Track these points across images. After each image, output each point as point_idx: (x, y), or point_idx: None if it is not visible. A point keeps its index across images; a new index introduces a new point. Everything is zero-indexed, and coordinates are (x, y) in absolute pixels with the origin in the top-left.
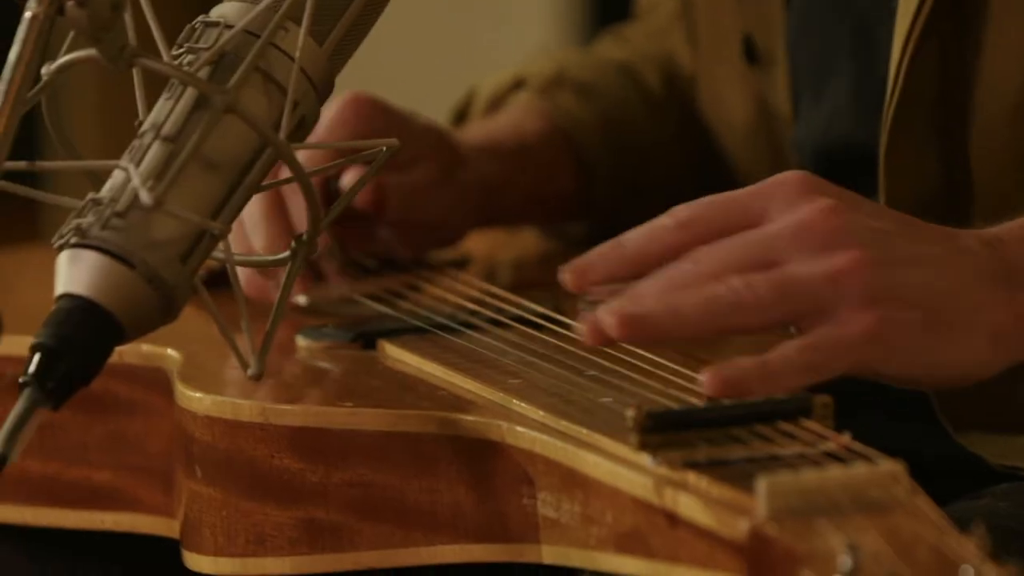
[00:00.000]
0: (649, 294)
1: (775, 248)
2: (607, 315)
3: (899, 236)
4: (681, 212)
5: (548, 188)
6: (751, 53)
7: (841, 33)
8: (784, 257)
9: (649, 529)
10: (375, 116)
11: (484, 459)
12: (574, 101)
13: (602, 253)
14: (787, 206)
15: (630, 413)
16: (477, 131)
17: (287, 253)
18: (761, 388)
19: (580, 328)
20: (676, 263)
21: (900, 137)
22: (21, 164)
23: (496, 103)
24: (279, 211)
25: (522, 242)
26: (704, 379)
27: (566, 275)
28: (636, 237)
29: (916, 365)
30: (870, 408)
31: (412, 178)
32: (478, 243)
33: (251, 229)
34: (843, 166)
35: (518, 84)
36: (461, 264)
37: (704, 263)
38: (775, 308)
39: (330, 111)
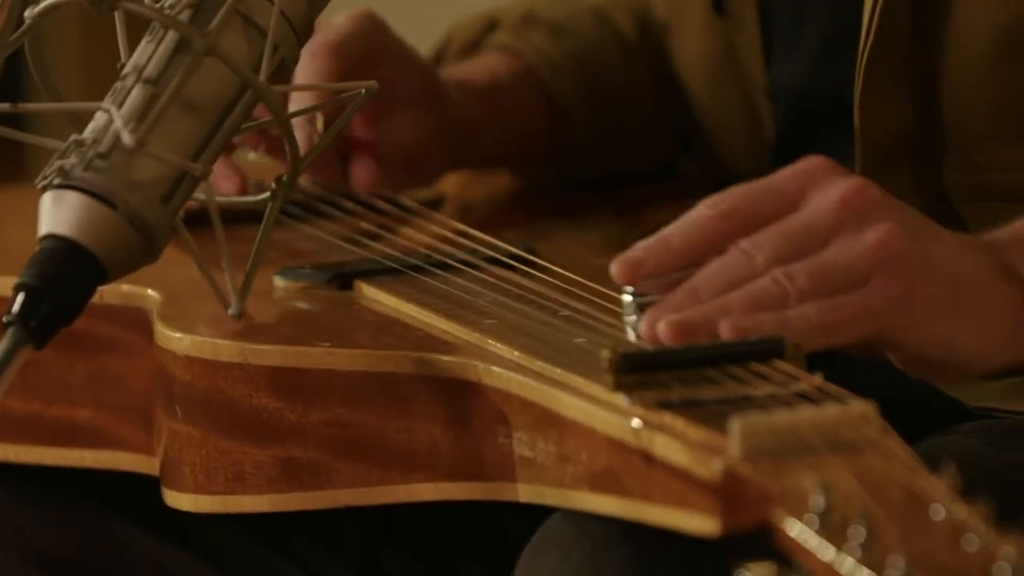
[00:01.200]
0: (702, 292)
1: (815, 230)
2: (661, 323)
3: (921, 218)
4: (722, 203)
5: (521, 128)
6: (718, 4)
7: None
8: (825, 237)
9: (623, 468)
10: (376, 37)
11: (460, 399)
12: (546, 40)
13: (648, 248)
14: (821, 188)
15: (605, 354)
16: (453, 73)
17: (267, 194)
18: None
19: (640, 329)
20: (722, 257)
21: (874, 81)
22: (5, 106)
23: (471, 45)
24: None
25: (494, 182)
26: (724, 329)
27: (615, 270)
28: (680, 232)
29: (932, 341)
30: (834, 359)
31: (401, 117)
32: (451, 183)
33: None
34: (817, 113)
35: (492, 26)
36: (435, 204)
37: (751, 256)
38: (817, 293)
39: (339, 19)
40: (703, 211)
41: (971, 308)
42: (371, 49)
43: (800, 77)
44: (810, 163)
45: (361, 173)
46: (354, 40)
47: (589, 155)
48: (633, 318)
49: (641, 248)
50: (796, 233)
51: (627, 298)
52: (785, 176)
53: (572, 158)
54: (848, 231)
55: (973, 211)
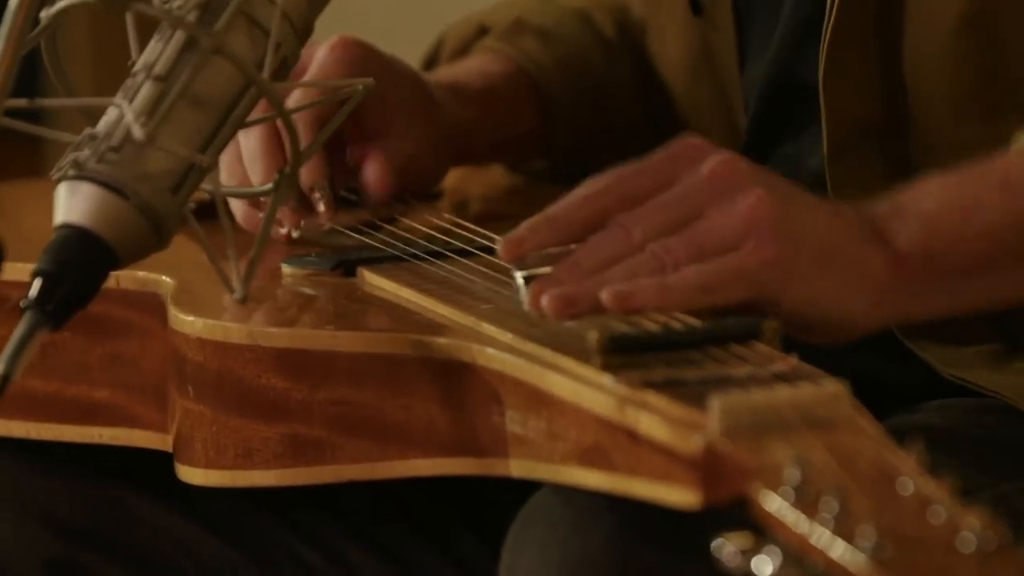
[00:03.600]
0: (580, 269)
1: (690, 202)
2: (546, 296)
3: (789, 186)
4: (599, 181)
5: (513, 127)
6: (695, 5)
7: None
8: (698, 209)
9: (610, 444)
10: (360, 59)
11: (456, 379)
12: (535, 45)
13: (531, 226)
14: (692, 164)
15: (593, 336)
16: (444, 74)
17: (270, 185)
18: (657, 304)
19: (524, 297)
20: (601, 233)
21: (838, 64)
22: (22, 102)
23: (462, 50)
24: (274, 146)
25: (490, 176)
26: (605, 297)
27: (500, 247)
28: (560, 209)
29: (808, 299)
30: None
31: (398, 129)
32: (449, 177)
33: (249, 163)
34: (786, 103)
35: (482, 31)
36: (433, 197)
37: (627, 228)
38: (694, 261)
39: (320, 52)
40: (581, 191)
41: (842, 268)
42: (359, 72)
43: (770, 69)
44: (682, 142)
45: (374, 177)
46: (339, 69)
47: (577, 152)
48: (522, 295)
49: (524, 227)
50: (670, 206)
51: (517, 275)
52: (659, 155)
53: (562, 155)
54: (720, 201)
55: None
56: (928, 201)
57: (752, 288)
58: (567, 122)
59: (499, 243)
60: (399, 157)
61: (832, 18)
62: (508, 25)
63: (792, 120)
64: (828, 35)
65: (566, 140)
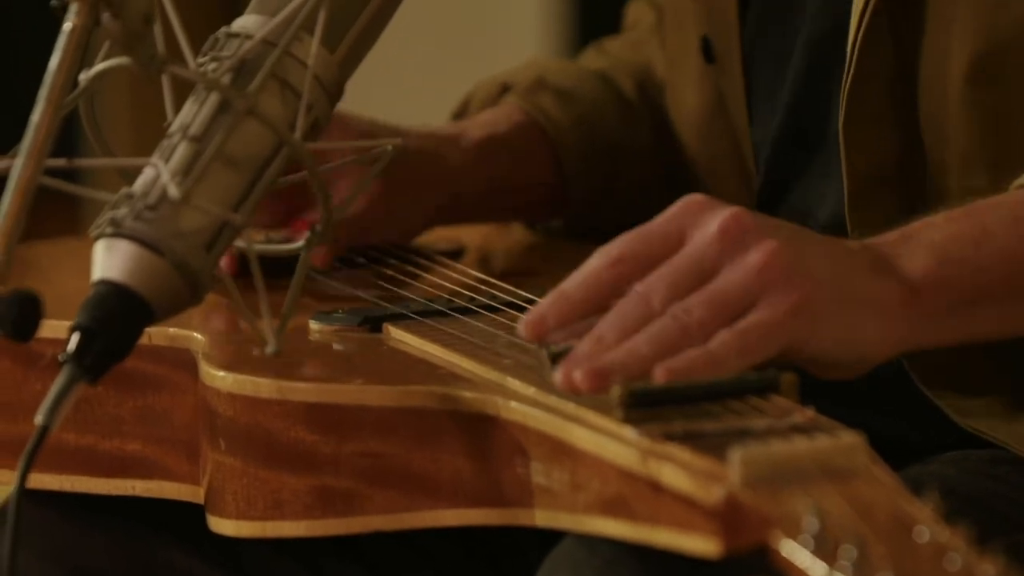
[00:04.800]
0: (608, 338)
1: (702, 262)
2: (577, 373)
3: (797, 230)
4: (610, 250)
5: (522, 176)
6: (708, 52)
7: (792, 38)
8: (712, 268)
9: (632, 495)
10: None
11: (482, 432)
12: (552, 103)
13: (550, 304)
14: (700, 223)
15: (615, 390)
16: (452, 124)
17: (302, 242)
18: (707, 374)
19: (556, 379)
20: (620, 303)
21: (857, 112)
22: (61, 161)
23: (486, 108)
24: None
25: (511, 235)
26: (656, 372)
27: (521, 328)
28: (576, 284)
29: (834, 339)
30: (820, 397)
31: (341, 185)
32: (472, 235)
33: None
34: (798, 152)
35: (505, 89)
36: (456, 254)
37: (647, 297)
38: (716, 321)
39: None
40: (593, 261)
41: (859, 302)
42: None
43: (783, 119)
44: (685, 201)
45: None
46: None
47: (590, 208)
48: (552, 373)
49: (543, 305)
50: (684, 269)
51: (543, 353)
52: (665, 217)
53: (577, 210)
54: (732, 258)
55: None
56: (935, 231)
57: (785, 338)
58: (582, 178)
59: (520, 323)
60: (348, 213)
61: (852, 68)
62: (529, 84)
63: (804, 170)
64: (848, 84)
65: (581, 196)
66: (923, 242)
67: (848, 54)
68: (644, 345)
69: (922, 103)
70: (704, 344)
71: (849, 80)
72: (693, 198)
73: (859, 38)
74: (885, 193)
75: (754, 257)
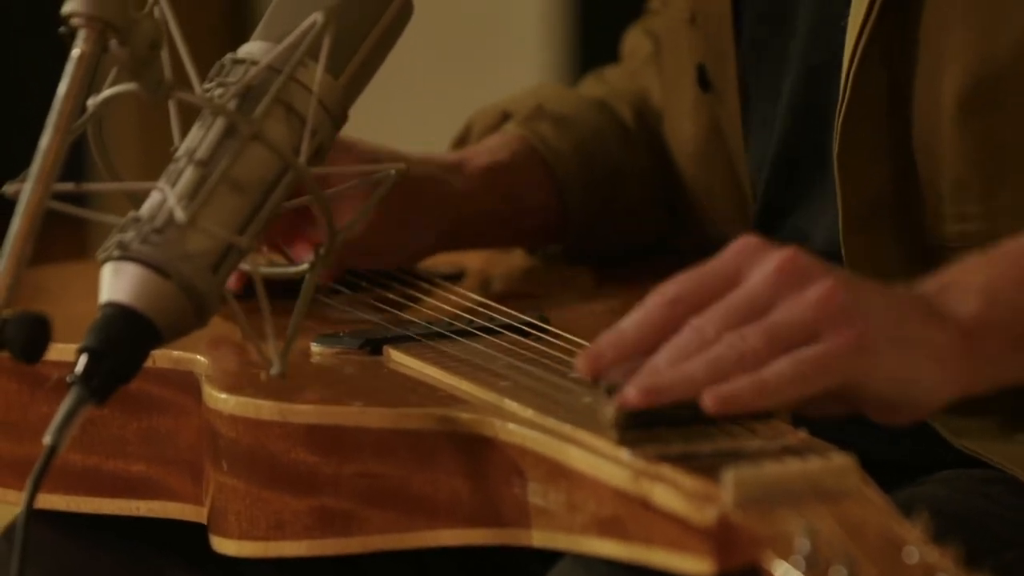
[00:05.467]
0: (662, 366)
1: (759, 299)
2: (630, 390)
3: (851, 274)
4: (668, 290)
5: (523, 201)
6: (704, 80)
7: (787, 67)
8: (768, 304)
9: (627, 516)
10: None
11: (479, 453)
12: (551, 130)
13: (607, 341)
14: (757, 262)
15: (609, 411)
16: (455, 152)
17: (307, 265)
18: (757, 402)
19: (608, 407)
20: (676, 337)
21: (851, 140)
22: (69, 186)
23: (487, 135)
24: None
25: (510, 259)
26: (707, 401)
27: (580, 364)
28: (633, 322)
29: (891, 380)
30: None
31: (343, 209)
32: (473, 259)
33: None
34: (793, 179)
35: (505, 117)
36: (457, 278)
37: (702, 329)
38: (772, 351)
39: None
40: (651, 300)
41: (914, 346)
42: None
43: (778, 144)
44: (743, 243)
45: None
46: None
47: (588, 234)
48: (606, 403)
49: (601, 342)
50: (740, 305)
51: (601, 386)
52: (723, 257)
53: (576, 235)
54: (790, 294)
55: (954, 261)
56: (976, 275)
57: (841, 374)
58: (581, 204)
59: (578, 358)
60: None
61: (847, 96)
62: (528, 111)
63: (800, 196)
64: (842, 113)
65: (581, 221)
66: (970, 287)
67: (842, 83)
68: (698, 369)
69: (916, 130)
70: (757, 372)
71: (843, 108)
72: (749, 239)
73: (853, 67)
74: (880, 219)
75: (813, 293)
